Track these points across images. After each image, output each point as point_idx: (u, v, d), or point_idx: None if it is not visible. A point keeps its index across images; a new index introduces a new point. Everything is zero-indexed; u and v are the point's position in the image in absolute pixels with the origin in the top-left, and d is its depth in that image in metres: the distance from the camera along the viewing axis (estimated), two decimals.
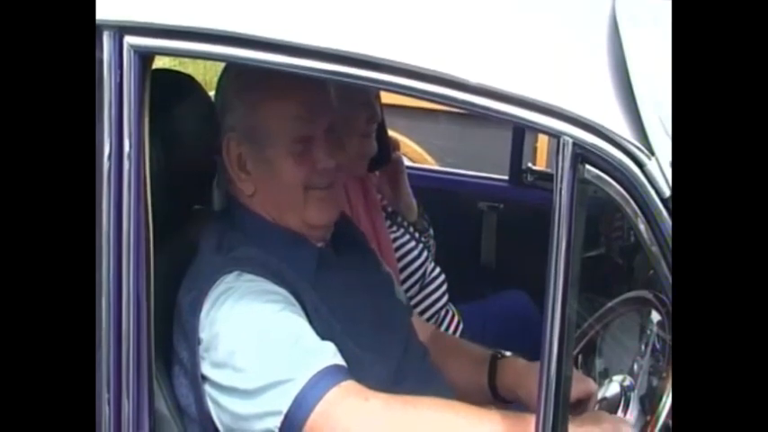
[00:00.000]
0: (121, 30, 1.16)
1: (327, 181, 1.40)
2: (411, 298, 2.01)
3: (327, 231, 1.47)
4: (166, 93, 1.28)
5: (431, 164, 3.48)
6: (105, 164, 1.17)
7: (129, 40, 1.16)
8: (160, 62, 1.28)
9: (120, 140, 1.17)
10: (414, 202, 2.16)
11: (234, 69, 1.45)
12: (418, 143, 3.42)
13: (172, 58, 2.36)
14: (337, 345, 1.27)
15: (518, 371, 1.48)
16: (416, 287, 2.06)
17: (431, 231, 2.16)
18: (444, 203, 2.34)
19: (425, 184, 2.28)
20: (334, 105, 1.43)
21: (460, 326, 2.13)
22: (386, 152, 2.07)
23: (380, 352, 1.37)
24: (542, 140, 3.44)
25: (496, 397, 1.52)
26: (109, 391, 1.22)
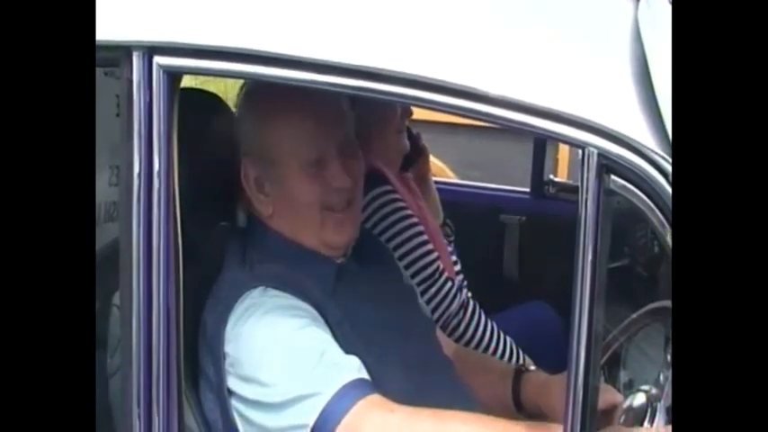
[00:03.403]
0: (151, 50, 1.18)
1: (344, 200, 1.39)
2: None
3: (347, 248, 1.46)
4: (193, 111, 1.30)
5: (452, 178, 3.48)
6: (135, 182, 1.19)
7: (159, 60, 1.17)
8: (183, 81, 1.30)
9: (150, 159, 1.19)
10: (439, 202, 2.17)
11: (247, 91, 1.45)
12: (439, 157, 3.42)
13: (192, 77, 2.39)
14: (360, 358, 1.28)
15: (542, 385, 1.48)
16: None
17: (452, 237, 2.17)
18: (466, 217, 2.35)
19: (447, 198, 2.28)
20: (346, 118, 1.42)
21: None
22: (415, 149, 2.07)
23: (403, 364, 1.37)
24: (563, 152, 3.43)
25: (521, 411, 1.51)
26: (139, 407, 1.23)
